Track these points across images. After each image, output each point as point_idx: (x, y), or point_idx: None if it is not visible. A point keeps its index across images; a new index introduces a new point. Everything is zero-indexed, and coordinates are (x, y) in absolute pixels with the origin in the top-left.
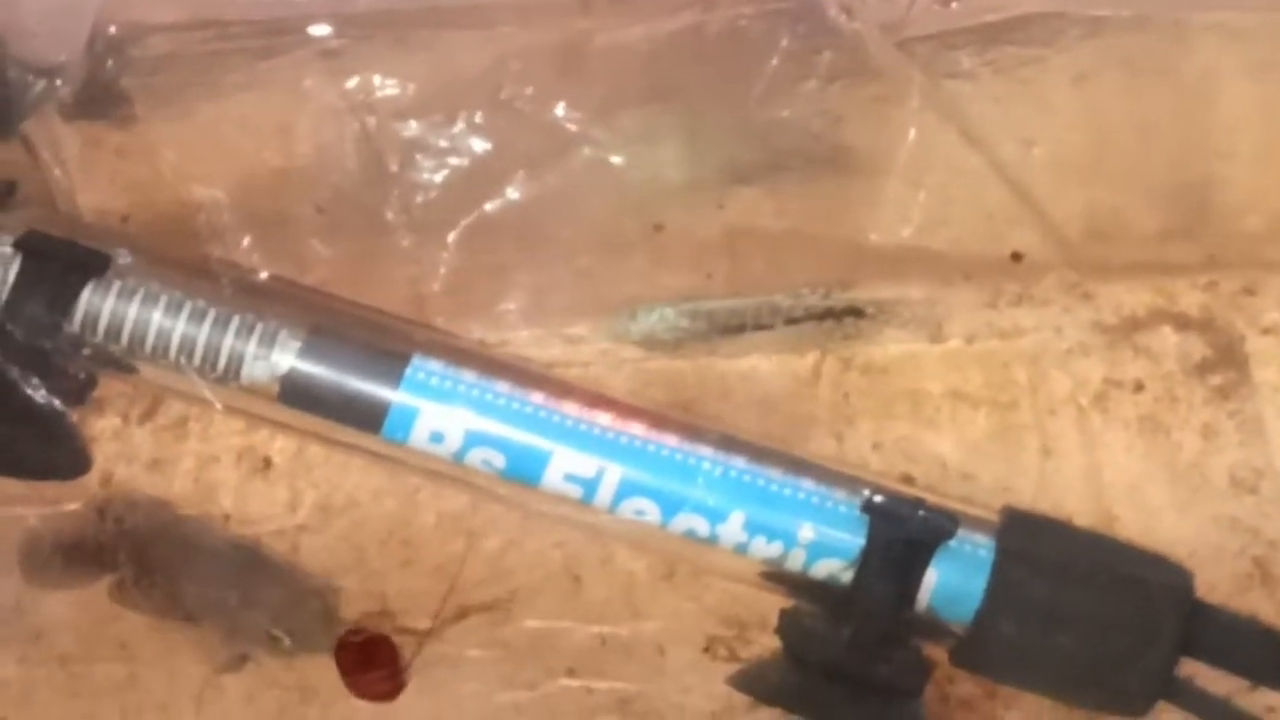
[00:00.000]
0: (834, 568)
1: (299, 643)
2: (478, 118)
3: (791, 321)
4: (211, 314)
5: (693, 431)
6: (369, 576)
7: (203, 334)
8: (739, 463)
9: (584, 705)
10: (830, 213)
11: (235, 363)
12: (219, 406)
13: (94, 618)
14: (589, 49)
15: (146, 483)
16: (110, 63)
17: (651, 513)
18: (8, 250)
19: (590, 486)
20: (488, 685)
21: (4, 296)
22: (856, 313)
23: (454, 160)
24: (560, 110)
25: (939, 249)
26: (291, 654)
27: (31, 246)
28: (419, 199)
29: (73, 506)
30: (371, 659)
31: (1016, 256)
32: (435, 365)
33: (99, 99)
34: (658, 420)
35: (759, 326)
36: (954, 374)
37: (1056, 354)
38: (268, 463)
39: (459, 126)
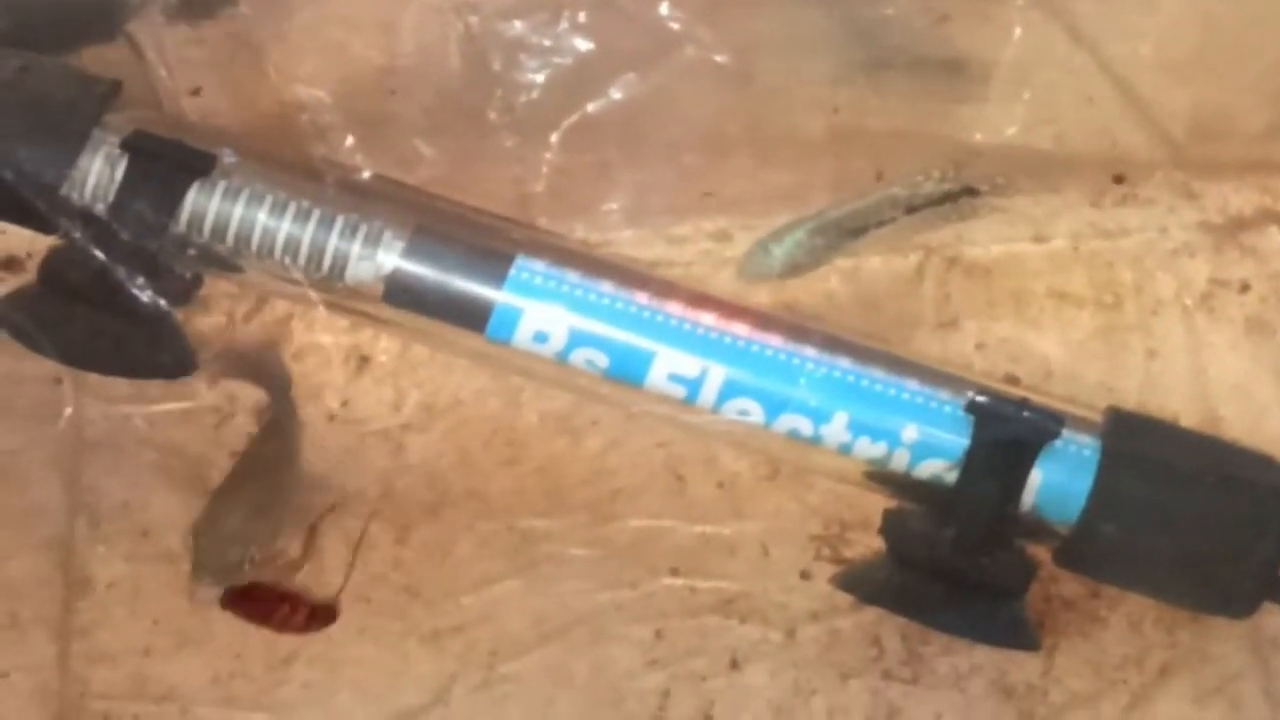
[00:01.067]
0: (938, 468)
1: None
2: (581, 17)
3: (912, 210)
4: (316, 214)
5: (796, 331)
6: (472, 475)
7: (307, 234)
8: (843, 363)
9: (687, 604)
10: (935, 111)
11: (340, 262)
12: (323, 306)
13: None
14: None
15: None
16: None
17: (755, 413)
18: (115, 151)
19: (694, 387)
20: (590, 584)
21: (111, 197)
22: (971, 192)
23: (557, 60)
24: (664, 9)
25: (1044, 148)
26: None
27: (138, 147)
28: (522, 99)
29: (179, 405)
30: (262, 602)
31: (1119, 179)
32: (539, 265)
33: None
34: (761, 320)
35: (880, 223)
36: (1058, 274)
37: (1161, 254)
38: (372, 362)
39: (562, 26)
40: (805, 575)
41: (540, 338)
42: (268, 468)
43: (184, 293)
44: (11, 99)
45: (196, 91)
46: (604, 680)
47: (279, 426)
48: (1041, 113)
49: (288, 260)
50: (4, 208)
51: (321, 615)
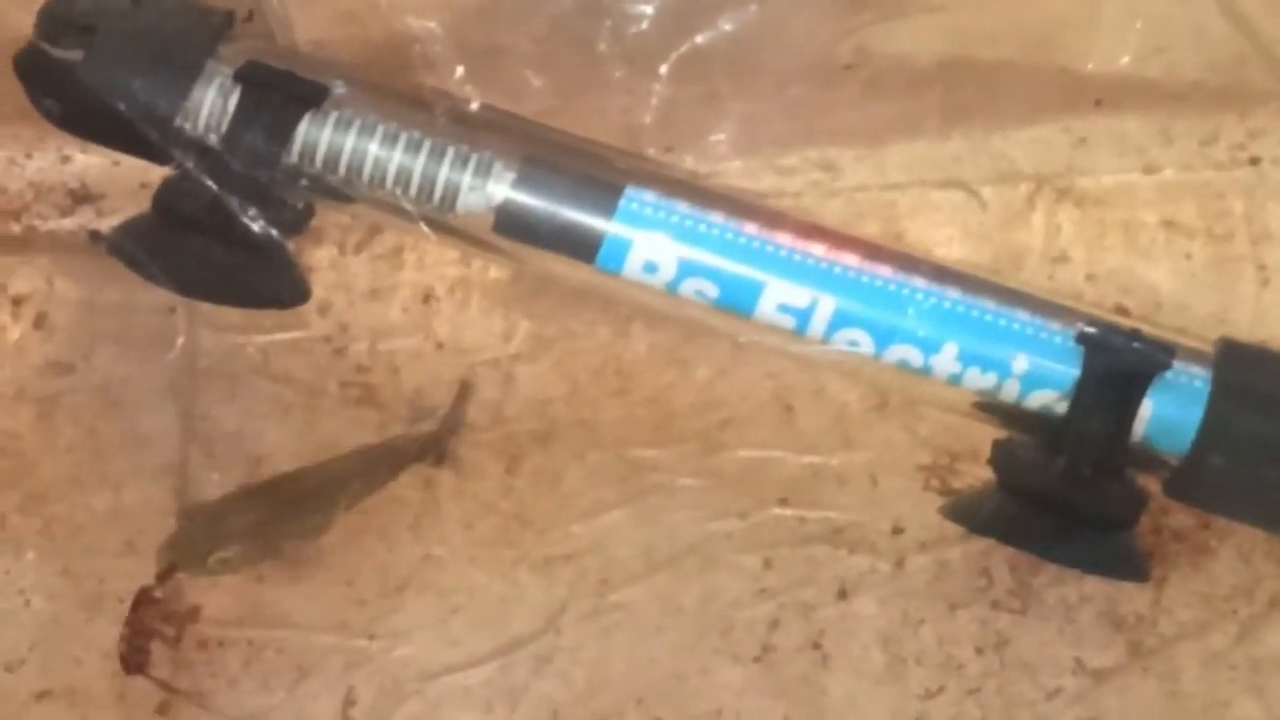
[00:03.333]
0: (1048, 399)
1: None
2: None
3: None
4: (427, 145)
5: (906, 262)
6: (582, 405)
7: (418, 165)
8: (953, 293)
9: (796, 534)
10: (1045, 40)
11: (451, 193)
12: (434, 236)
13: (313, 444)
14: None
15: (363, 312)
16: None
17: (865, 343)
18: (228, 82)
19: (804, 317)
20: (700, 513)
21: (224, 128)
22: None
23: None
24: None
25: (1155, 77)
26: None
27: (251, 78)
28: (632, 29)
29: (291, 335)
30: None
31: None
32: (649, 196)
33: None
34: (871, 250)
35: None
36: (1169, 204)
37: (1274, 184)
38: (481, 292)
39: None
40: (914, 506)
41: (650, 268)
42: (307, 496)
43: (296, 223)
44: (126, 30)
45: (307, 22)
46: (713, 609)
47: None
48: (1154, 42)
49: (399, 191)
50: (118, 138)
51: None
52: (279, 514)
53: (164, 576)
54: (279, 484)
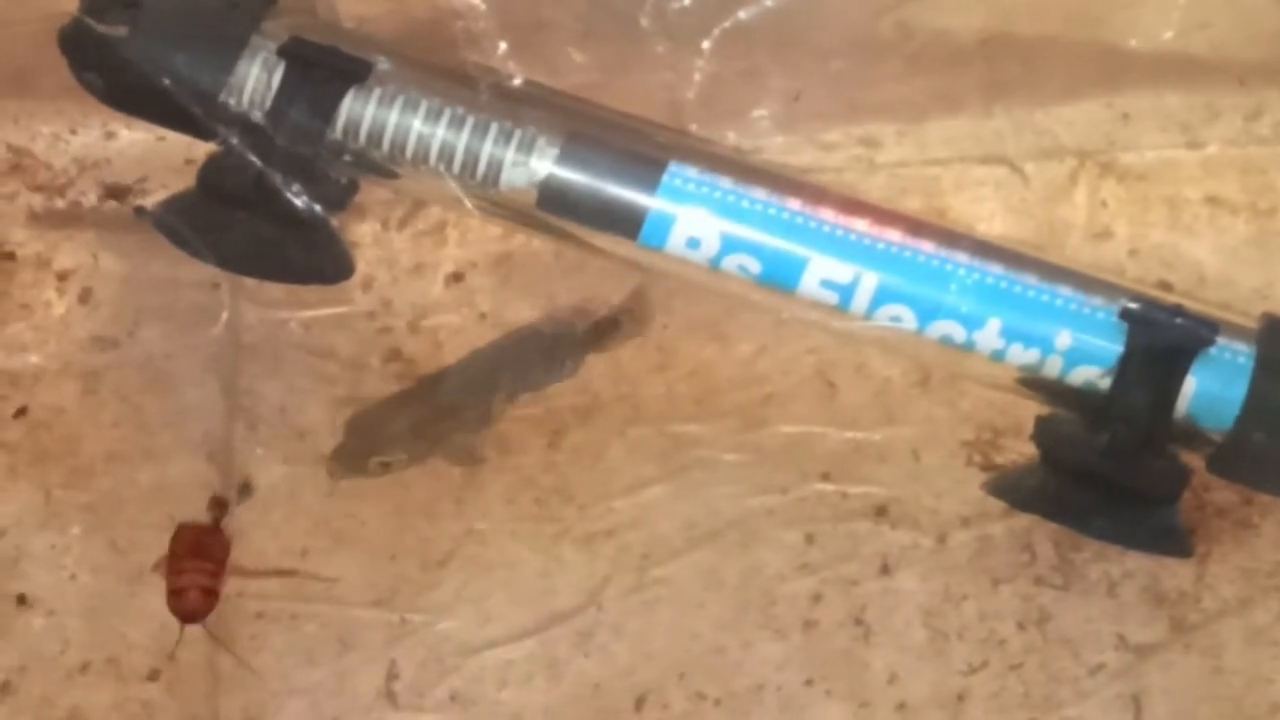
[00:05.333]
0: (1091, 374)
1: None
2: None
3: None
4: (470, 120)
5: (948, 237)
6: (623, 380)
7: (462, 140)
8: (995, 269)
9: (838, 510)
10: (1088, 15)
11: (494, 169)
12: (477, 212)
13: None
14: None
15: (406, 287)
16: None
17: (907, 319)
18: (272, 57)
19: (846, 293)
20: (741, 489)
21: (268, 103)
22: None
23: None
24: None
25: (1199, 53)
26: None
27: (295, 53)
28: (674, 5)
29: (334, 310)
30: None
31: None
32: (692, 171)
33: None
34: (914, 226)
35: None
36: (1212, 180)
37: None
38: (525, 268)
39: None
40: (957, 481)
41: (693, 244)
42: (456, 404)
43: (340, 198)
44: (170, 6)
45: None
46: (755, 584)
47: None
48: (1197, 17)
49: (442, 166)
50: (163, 114)
51: (192, 612)
52: (437, 412)
53: (217, 507)
54: (435, 381)
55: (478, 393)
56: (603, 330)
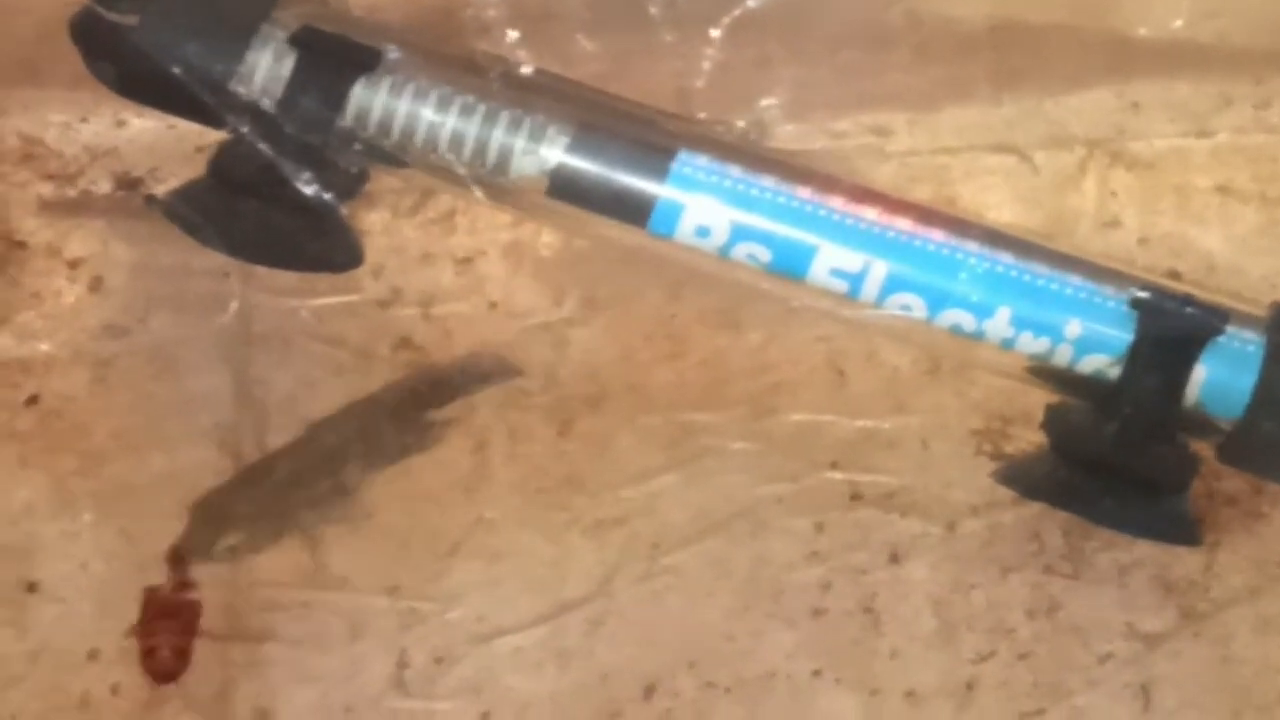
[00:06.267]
0: (1101, 363)
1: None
2: None
3: None
4: (481, 109)
5: (959, 226)
6: (633, 369)
7: (472, 129)
8: (1005, 258)
9: (847, 498)
10: (1098, 4)
11: (504, 157)
12: (487, 201)
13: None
14: None
15: (416, 275)
16: None
17: (917, 307)
18: (283, 46)
19: (856, 281)
20: (751, 477)
21: (279, 92)
22: None
23: None
24: None
25: (1208, 42)
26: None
27: (306, 42)
28: None
29: (344, 298)
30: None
31: None
32: (701, 160)
33: None
34: (924, 215)
35: None
36: (1222, 169)
37: None
38: (533, 256)
39: None
40: (966, 470)
41: (702, 232)
42: (289, 480)
43: (350, 187)
44: None
45: None
46: (764, 573)
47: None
48: (1206, 6)
49: (452, 155)
50: (173, 103)
51: (166, 673)
52: (282, 489)
53: (174, 562)
54: (277, 460)
55: (324, 467)
56: (451, 390)
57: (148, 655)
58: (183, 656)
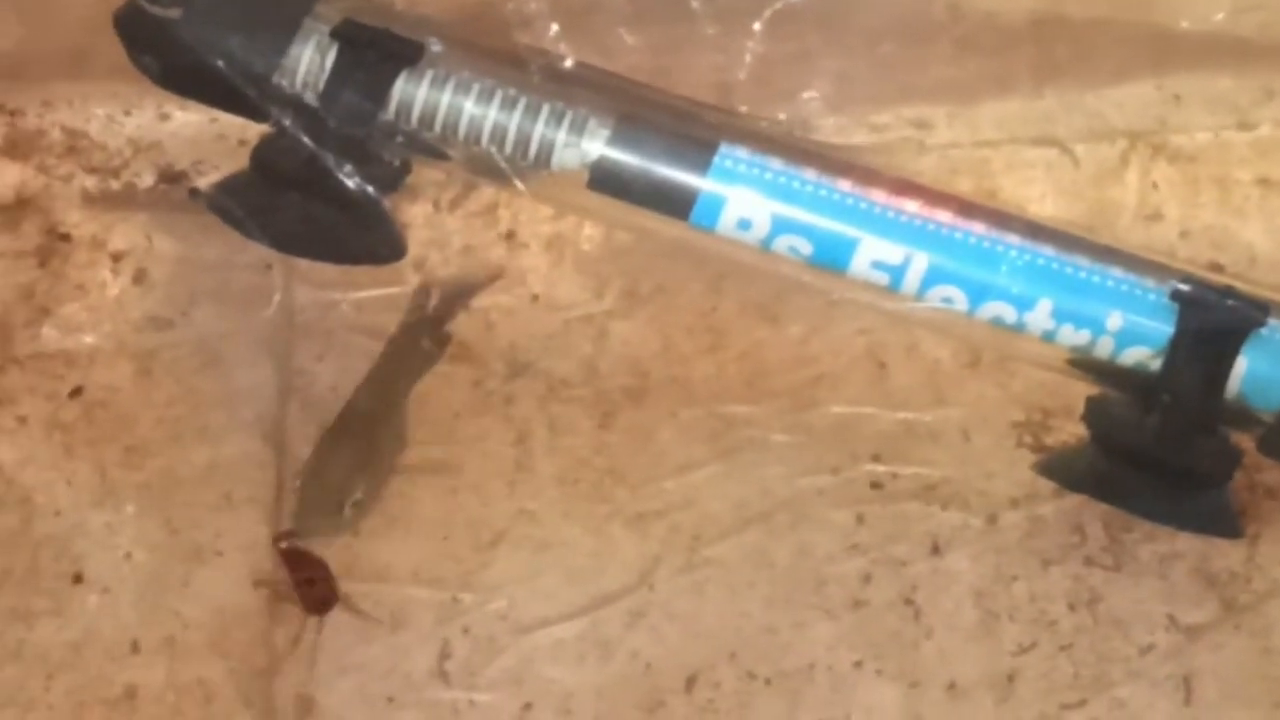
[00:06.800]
0: (1142, 355)
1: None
2: None
3: None
4: (522, 102)
5: (1000, 219)
6: (674, 362)
7: (514, 121)
8: (1046, 250)
9: (888, 490)
10: None
11: (545, 150)
12: (528, 194)
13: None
14: None
15: (458, 268)
16: None
17: (958, 300)
18: (325, 39)
19: (897, 274)
20: (791, 469)
21: (321, 85)
22: None
23: None
24: None
25: (1249, 35)
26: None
27: (348, 35)
28: None
29: (386, 291)
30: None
31: None
32: (743, 153)
33: None
34: (965, 207)
35: None
36: (1263, 161)
37: None
38: (575, 249)
39: None
40: (1007, 462)
41: (744, 225)
42: (371, 420)
43: (392, 180)
44: None
45: None
46: (805, 564)
47: (381, 378)
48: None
49: (494, 147)
50: (216, 96)
51: (322, 605)
52: (368, 444)
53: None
54: (346, 421)
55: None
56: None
57: (304, 585)
58: (333, 591)
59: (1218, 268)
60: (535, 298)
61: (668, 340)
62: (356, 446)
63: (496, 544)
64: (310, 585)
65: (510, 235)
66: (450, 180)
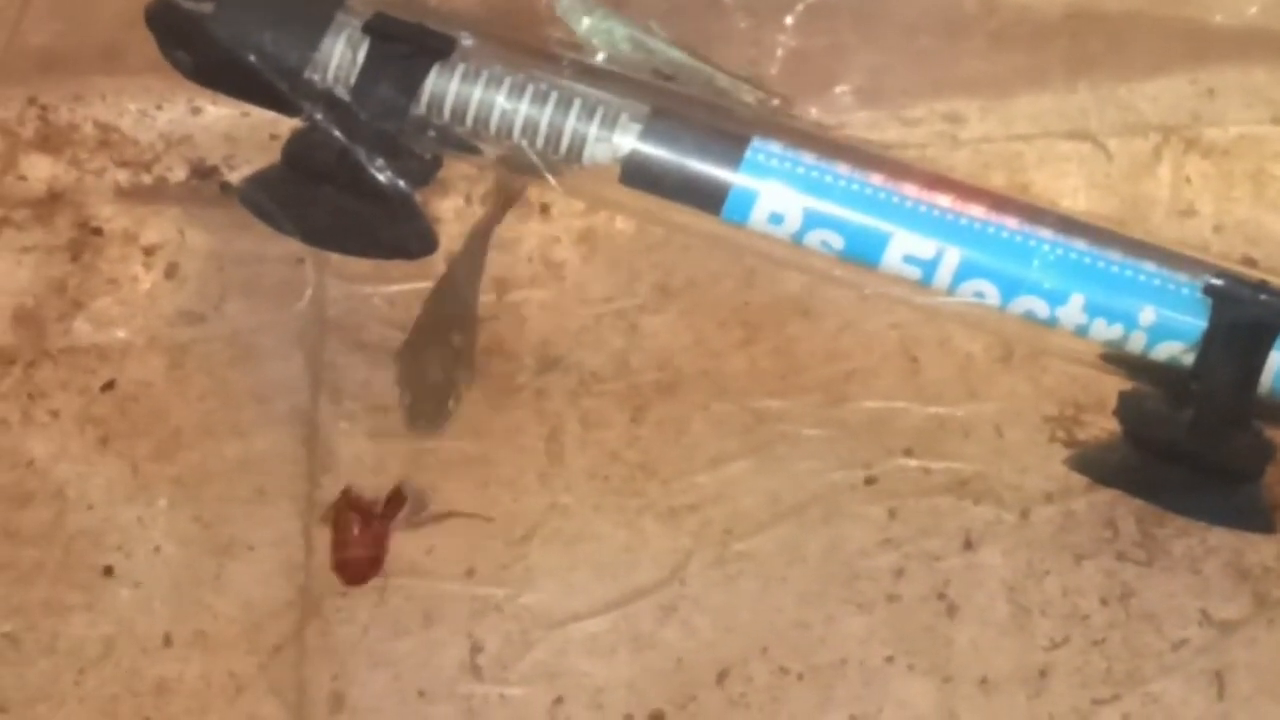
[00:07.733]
0: (1175, 350)
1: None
2: None
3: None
4: (554, 96)
5: (1032, 213)
6: (706, 356)
7: (546, 116)
8: (1079, 245)
9: (921, 485)
10: None
11: (577, 144)
12: (560, 188)
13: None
14: None
15: (490, 262)
16: None
17: (991, 294)
18: (357, 34)
19: (929, 268)
20: (824, 463)
21: (353, 79)
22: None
23: None
24: None
25: None
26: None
27: (379, 30)
28: None
29: (418, 285)
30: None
31: None
32: (775, 147)
33: None
34: (997, 202)
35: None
36: None
37: None
38: (607, 243)
39: None
40: (1040, 457)
41: (775, 219)
42: (452, 317)
43: (423, 174)
44: None
45: None
46: (837, 559)
47: (455, 279)
48: None
49: (525, 142)
50: (248, 90)
51: (364, 570)
52: (445, 332)
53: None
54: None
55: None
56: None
57: (356, 547)
58: (375, 563)
59: (1251, 262)
60: (567, 291)
61: (699, 334)
62: (443, 349)
63: (529, 538)
64: (360, 549)
65: (542, 229)
66: (482, 174)
